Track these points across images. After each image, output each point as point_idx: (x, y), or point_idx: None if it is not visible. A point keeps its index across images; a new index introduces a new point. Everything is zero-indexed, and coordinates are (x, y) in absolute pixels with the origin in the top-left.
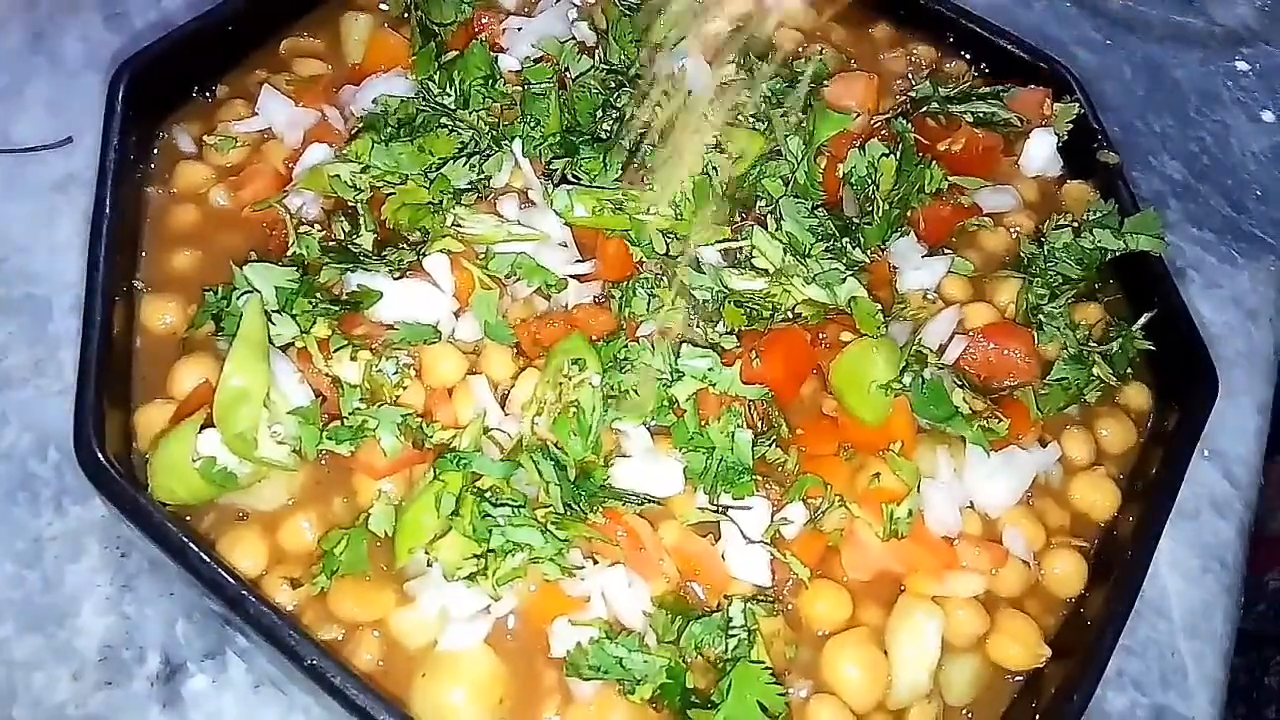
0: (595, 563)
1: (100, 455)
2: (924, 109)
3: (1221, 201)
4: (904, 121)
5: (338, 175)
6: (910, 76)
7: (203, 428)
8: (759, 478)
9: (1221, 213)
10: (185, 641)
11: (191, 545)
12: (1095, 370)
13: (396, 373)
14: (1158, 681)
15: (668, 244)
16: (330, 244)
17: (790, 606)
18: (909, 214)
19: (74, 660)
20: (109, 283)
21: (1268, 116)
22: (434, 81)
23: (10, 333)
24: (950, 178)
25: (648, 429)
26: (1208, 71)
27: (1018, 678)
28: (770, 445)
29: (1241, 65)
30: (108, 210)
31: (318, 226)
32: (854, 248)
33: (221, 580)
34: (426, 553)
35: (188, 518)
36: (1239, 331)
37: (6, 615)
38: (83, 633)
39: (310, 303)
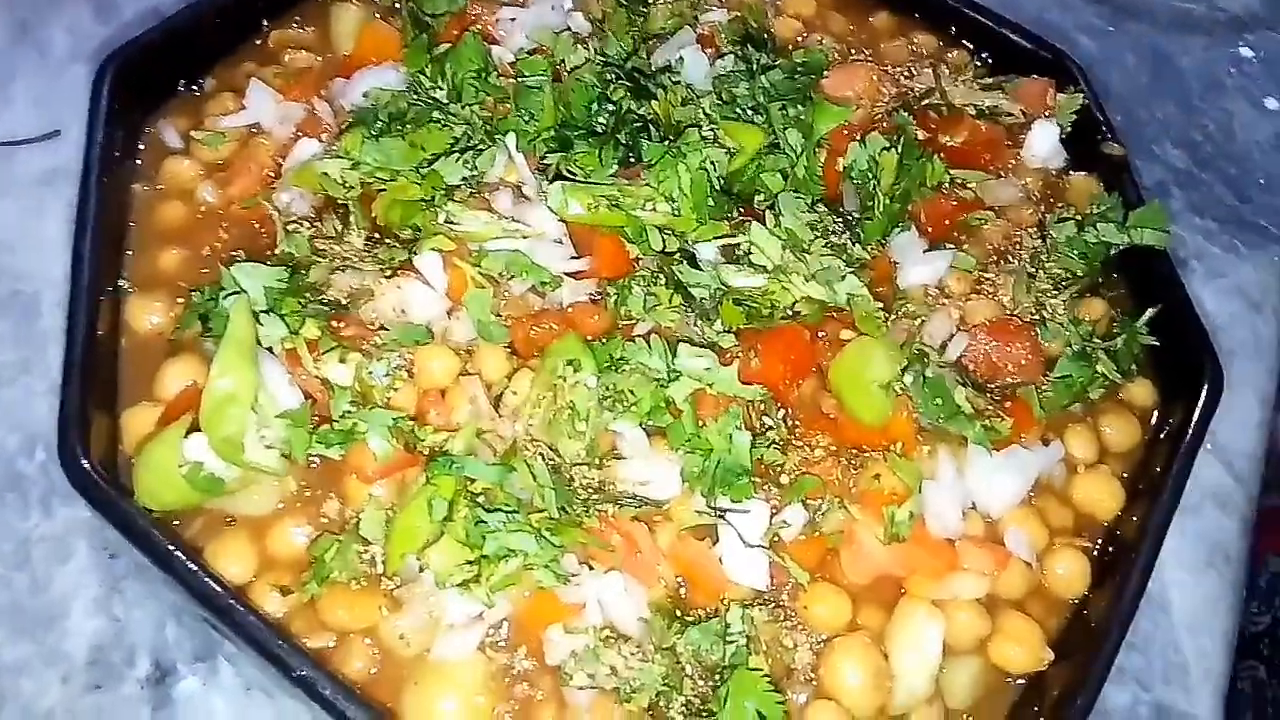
0: (591, 569)
1: (85, 461)
2: (925, 101)
3: (1225, 190)
4: (905, 114)
5: (327, 172)
6: (912, 66)
7: (189, 432)
8: (757, 479)
9: (1225, 202)
10: (175, 644)
11: (178, 553)
12: (1099, 367)
13: (388, 374)
14: (1160, 677)
15: (664, 240)
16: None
17: (789, 611)
18: (910, 208)
19: (63, 663)
20: (94, 282)
21: (1271, 104)
22: (425, 74)
23: None
24: (952, 171)
25: (644, 430)
26: (1211, 58)
27: (1020, 680)
28: (769, 446)
29: (1245, 52)
30: (93, 207)
31: (307, 224)
32: (854, 243)
33: (208, 589)
34: (419, 559)
35: (175, 523)
36: (1242, 322)
37: None
38: (72, 635)
39: (299, 303)
